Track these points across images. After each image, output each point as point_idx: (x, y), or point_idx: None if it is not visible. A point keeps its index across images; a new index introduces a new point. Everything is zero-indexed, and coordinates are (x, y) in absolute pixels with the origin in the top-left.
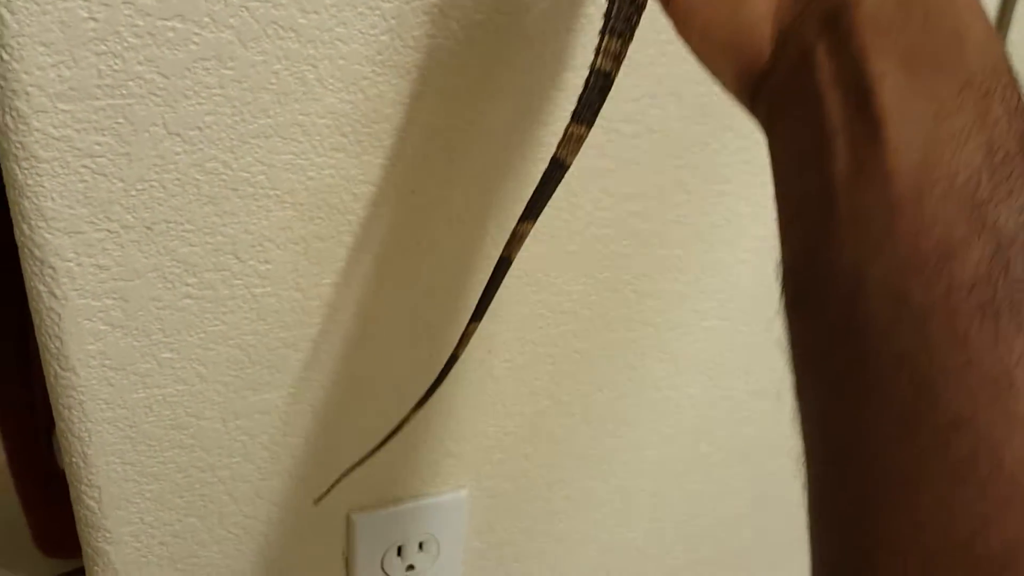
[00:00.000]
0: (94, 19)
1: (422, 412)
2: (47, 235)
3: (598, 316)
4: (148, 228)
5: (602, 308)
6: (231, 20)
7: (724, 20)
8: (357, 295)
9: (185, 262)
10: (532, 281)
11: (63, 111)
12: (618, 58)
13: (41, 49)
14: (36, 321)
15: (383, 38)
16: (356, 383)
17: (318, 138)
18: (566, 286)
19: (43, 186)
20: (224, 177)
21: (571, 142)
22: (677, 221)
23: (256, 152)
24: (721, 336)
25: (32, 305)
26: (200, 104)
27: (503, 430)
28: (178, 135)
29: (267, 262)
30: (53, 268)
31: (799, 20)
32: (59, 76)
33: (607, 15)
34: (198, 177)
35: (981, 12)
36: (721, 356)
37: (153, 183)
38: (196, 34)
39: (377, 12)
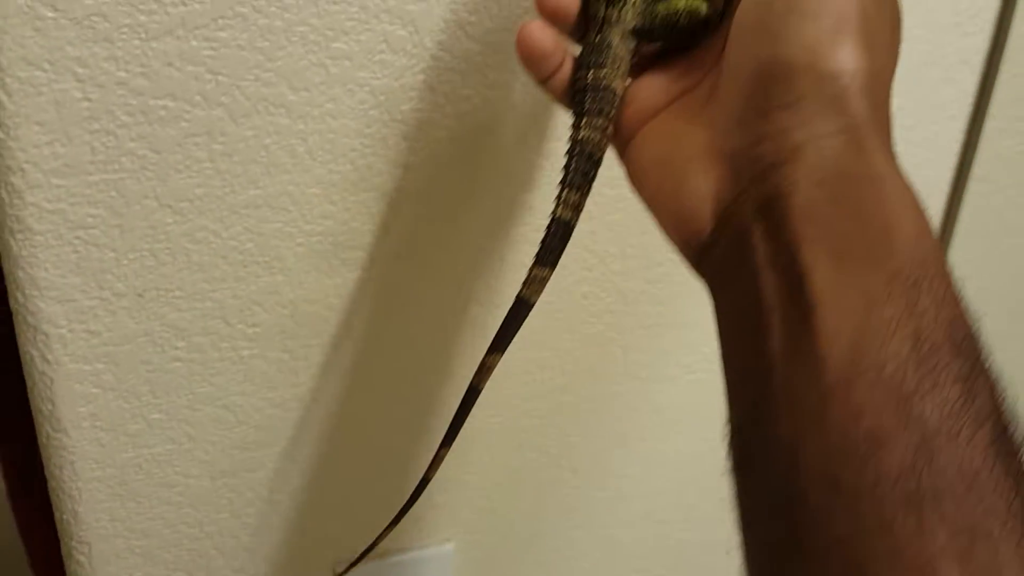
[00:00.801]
0: (88, 99)
1: (407, 465)
2: (40, 303)
3: (584, 370)
4: (139, 295)
5: (588, 362)
6: (222, 98)
7: (670, 192)
8: (344, 355)
9: (174, 327)
10: (518, 337)
11: (57, 186)
12: (578, 208)
13: (36, 128)
14: (29, 384)
15: (372, 112)
16: (342, 441)
17: (307, 207)
18: (552, 341)
19: (37, 257)
20: (214, 246)
21: (535, 283)
22: (661, 279)
23: (246, 221)
24: (707, 389)
25: (25, 369)
26: (191, 177)
27: (490, 482)
28: (169, 207)
29: (255, 325)
30: (46, 335)
31: (738, 202)
32: (53, 153)
33: (566, 168)
34: (188, 246)
35: (913, 204)
36: (707, 408)
37: (144, 252)
38: (187, 112)
39: (366, 88)
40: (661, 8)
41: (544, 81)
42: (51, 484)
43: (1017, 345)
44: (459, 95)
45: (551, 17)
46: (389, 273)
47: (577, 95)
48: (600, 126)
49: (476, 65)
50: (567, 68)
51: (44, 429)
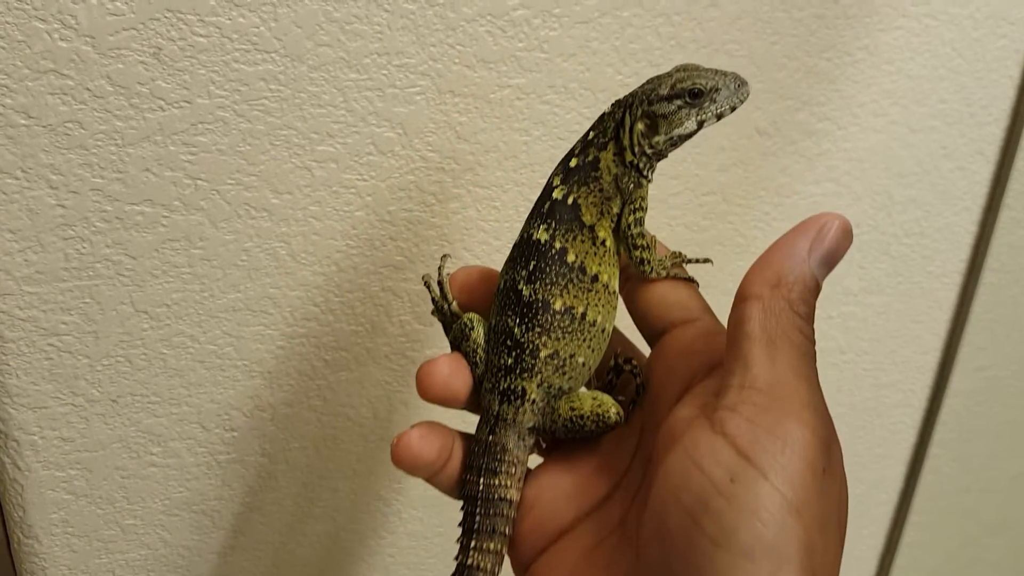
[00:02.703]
0: (62, 206)
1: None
2: (11, 410)
3: None
4: (113, 401)
5: None
6: (201, 203)
7: None
8: (326, 459)
9: (150, 432)
10: None
11: (29, 293)
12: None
13: (8, 235)
14: (0, 490)
15: (358, 214)
16: (325, 544)
17: (289, 309)
18: None
19: (8, 364)
20: (191, 350)
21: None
22: None
23: (224, 325)
24: None
25: None
26: (168, 283)
27: None
28: (145, 312)
29: (233, 430)
30: (17, 441)
31: None
32: (26, 260)
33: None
34: (165, 351)
35: None
36: None
37: (119, 358)
38: (165, 217)
39: (352, 190)
40: (564, 408)
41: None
42: None
43: None
44: (449, 194)
45: (440, 404)
46: (375, 373)
47: (467, 504)
48: (493, 550)
49: (467, 164)
50: (456, 460)
51: (15, 535)
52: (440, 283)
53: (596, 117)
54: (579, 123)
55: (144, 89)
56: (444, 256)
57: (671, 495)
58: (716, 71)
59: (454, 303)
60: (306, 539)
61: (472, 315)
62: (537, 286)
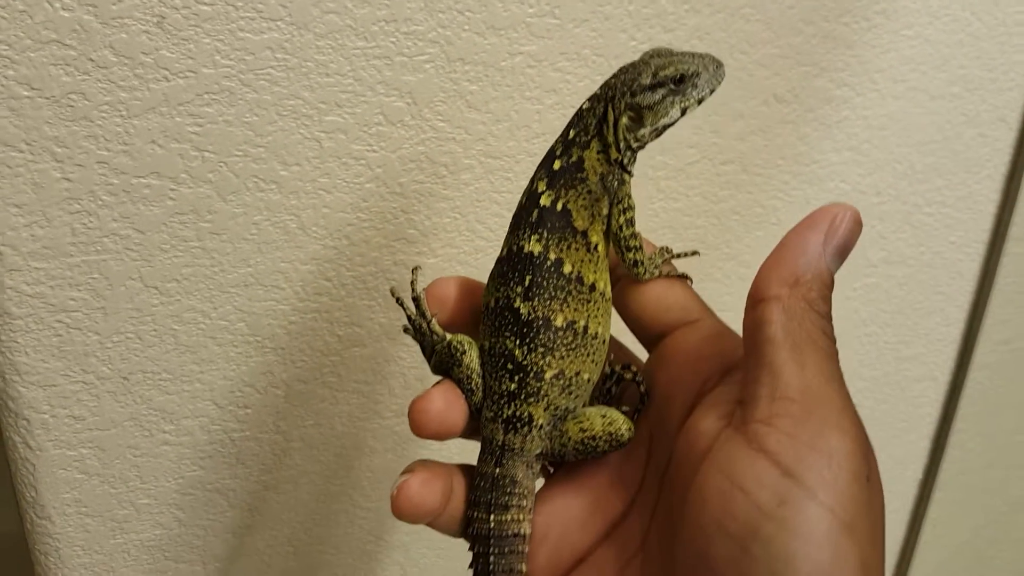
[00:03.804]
0: (67, 179)
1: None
2: (21, 388)
3: None
4: (124, 378)
5: None
6: (209, 175)
7: None
8: (342, 435)
9: (162, 410)
10: None
11: (36, 268)
12: None
13: (14, 210)
14: (12, 470)
15: (368, 186)
16: (338, 520)
17: (300, 284)
18: None
19: (16, 342)
20: (202, 326)
21: None
22: None
23: (236, 300)
24: None
25: (8, 455)
26: (177, 257)
27: None
28: (155, 288)
29: (247, 407)
30: (27, 420)
31: None
32: (32, 235)
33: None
34: (175, 327)
35: None
36: None
37: (129, 335)
38: (173, 190)
39: (361, 162)
40: (574, 430)
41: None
42: (36, 571)
43: None
44: (461, 165)
45: (436, 439)
46: (389, 348)
47: (477, 545)
48: None
49: (479, 135)
50: (458, 498)
51: (28, 516)
52: (416, 299)
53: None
54: (592, 91)
55: (148, 59)
56: (415, 268)
57: (713, 523)
58: (692, 54)
59: (434, 320)
60: (322, 517)
61: (461, 337)
62: (536, 303)
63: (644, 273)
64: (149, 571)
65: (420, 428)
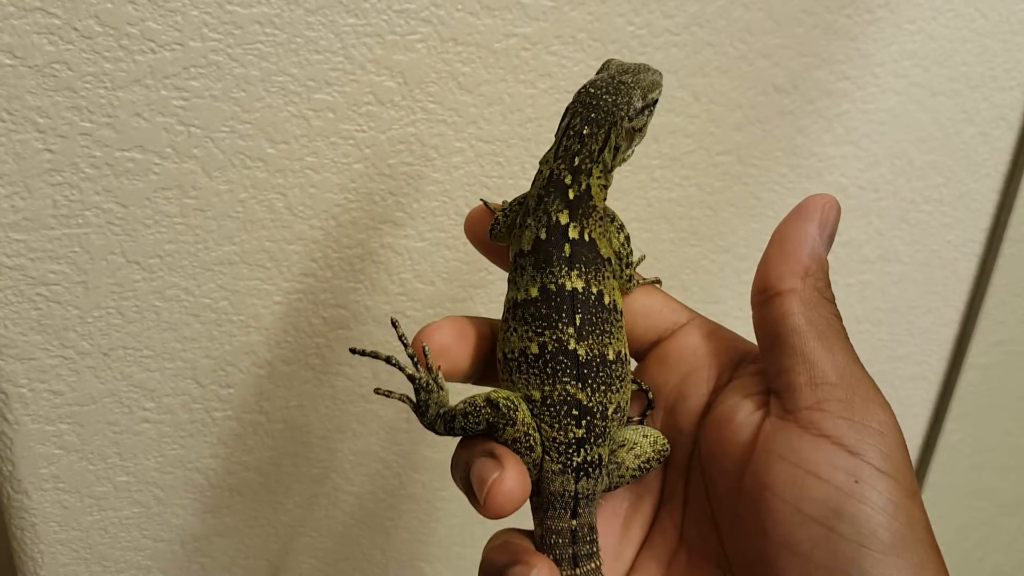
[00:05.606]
0: (50, 150)
1: (392, 534)
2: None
3: None
4: (104, 354)
5: None
6: (195, 151)
7: None
8: (325, 418)
9: (143, 387)
10: None
11: (16, 240)
12: None
13: None
14: None
15: (356, 166)
16: (320, 503)
17: (286, 264)
18: None
19: None
20: (185, 304)
21: None
22: None
23: (219, 278)
24: None
25: None
26: (161, 233)
27: None
28: (137, 263)
29: (229, 386)
30: (5, 393)
31: None
32: (12, 206)
33: None
34: (157, 304)
35: None
36: None
37: (110, 310)
38: (157, 164)
39: (350, 141)
40: (628, 459)
41: None
42: (12, 546)
43: None
44: (451, 148)
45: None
46: (375, 332)
47: None
48: None
49: (470, 117)
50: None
51: (5, 490)
52: (412, 356)
53: (567, 134)
54: (588, 76)
55: (134, 30)
56: (395, 322)
57: (790, 509)
58: (648, 67)
59: (439, 374)
60: (303, 500)
61: (502, 392)
62: (591, 341)
63: (633, 285)
64: (127, 548)
65: (496, 512)
